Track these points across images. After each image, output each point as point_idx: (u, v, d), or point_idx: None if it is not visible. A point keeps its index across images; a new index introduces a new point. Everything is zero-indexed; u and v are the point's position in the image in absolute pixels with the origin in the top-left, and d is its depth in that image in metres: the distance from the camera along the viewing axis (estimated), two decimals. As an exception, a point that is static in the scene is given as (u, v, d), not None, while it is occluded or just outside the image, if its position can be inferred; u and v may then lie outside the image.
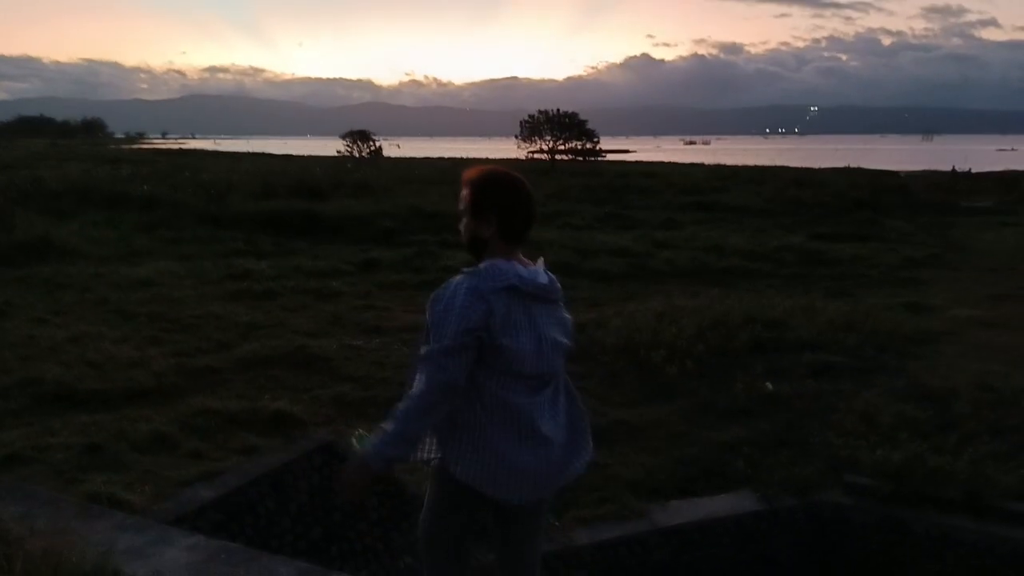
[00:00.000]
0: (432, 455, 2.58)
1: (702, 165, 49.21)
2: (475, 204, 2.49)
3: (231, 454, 6.27)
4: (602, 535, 6.03)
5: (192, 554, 3.50)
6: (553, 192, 27.61)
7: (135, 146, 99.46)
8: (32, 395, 7.36)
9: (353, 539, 5.95)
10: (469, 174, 2.54)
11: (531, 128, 50.90)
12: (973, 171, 40.81)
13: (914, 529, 6.19)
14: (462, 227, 2.52)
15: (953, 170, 42.24)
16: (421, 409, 2.36)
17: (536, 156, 51.10)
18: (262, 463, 5.99)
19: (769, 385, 8.68)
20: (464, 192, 2.52)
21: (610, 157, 59.88)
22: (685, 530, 6.23)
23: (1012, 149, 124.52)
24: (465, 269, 2.49)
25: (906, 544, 6.20)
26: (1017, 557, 5.86)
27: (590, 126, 51.20)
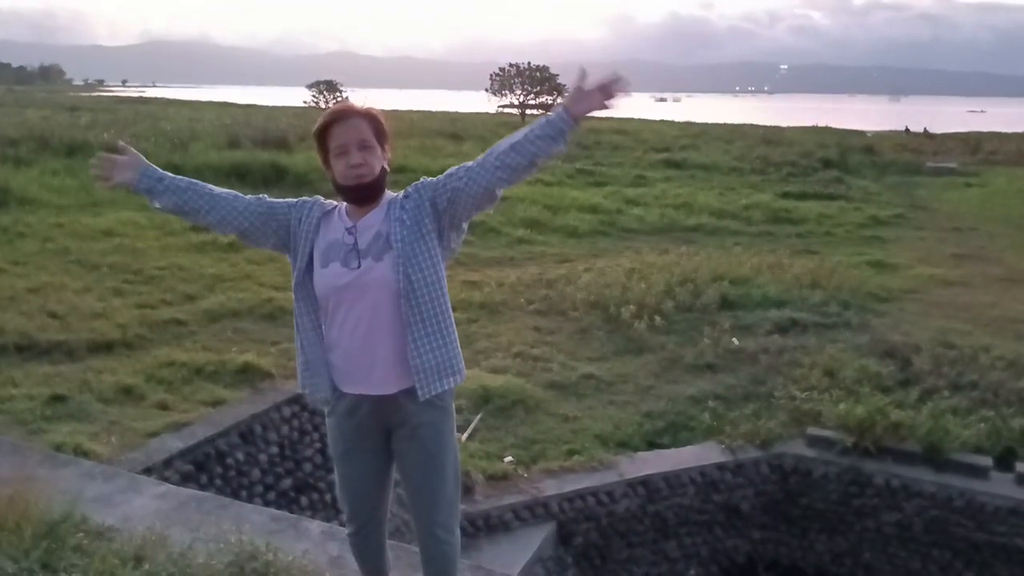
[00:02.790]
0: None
1: (672, 122, 49.09)
2: (385, 137, 2.46)
3: (198, 406, 6.21)
4: (570, 486, 6.11)
5: (162, 502, 3.48)
6: (523, 147, 27.39)
7: (95, 93, 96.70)
8: (-8, 345, 7.22)
9: (324, 490, 5.97)
10: (362, 109, 2.45)
11: (501, 81, 50.28)
12: (933, 131, 41.21)
13: (874, 480, 6.36)
14: (371, 159, 2.37)
15: (907, 130, 42.72)
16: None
17: (506, 110, 50.60)
18: (230, 414, 5.96)
19: (735, 340, 8.80)
20: (368, 125, 2.40)
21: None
22: (652, 481, 6.34)
23: (982, 111, 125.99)
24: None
25: (866, 495, 6.38)
26: (973, 508, 6.05)
27: (561, 81, 50.71)
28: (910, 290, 11.22)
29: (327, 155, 2.41)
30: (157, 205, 2.49)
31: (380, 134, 2.43)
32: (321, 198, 2.55)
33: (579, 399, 7.60)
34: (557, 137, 2.28)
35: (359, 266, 2.36)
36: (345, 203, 2.46)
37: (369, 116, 2.43)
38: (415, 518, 2.58)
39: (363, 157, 2.36)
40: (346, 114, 2.41)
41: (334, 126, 2.38)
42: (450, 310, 2.48)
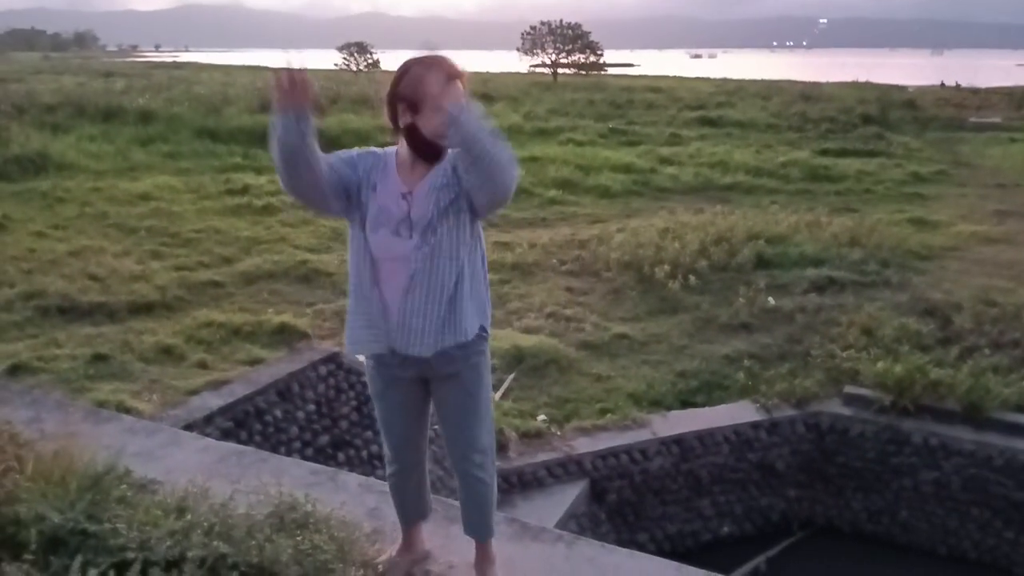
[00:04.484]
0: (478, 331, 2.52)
1: (708, 79, 48.20)
2: None
3: (237, 365, 6.32)
4: (603, 444, 6.13)
5: (203, 456, 3.55)
6: (555, 107, 27.10)
7: (129, 59, 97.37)
8: (35, 307, 7.39)
9: (360, 447, 6.06)
10: (459, 67, 2.43)
11: (533, 40, 49.65)
12: (975, 86, 40.02)
13: (912, 439, 6.29)
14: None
15: (942, 84, 41.63)
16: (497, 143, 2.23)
17: (538, 70, 50.04)
18: (268, 373, 6.06)
19: (771, 300, 8.70)
20: (455, 81, 2.39)
21: (612, 72, 58.55)
22: (685, 439, 6.34)
23: None
24: None
25: (904, 453, 6.32)
26: (1013, 467, 5.97)
27: (593, 38, 49.95)
28: (951, 248, 11.00)
29: (418, 104, 2.34)
30: (291, 138, 2.32)
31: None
32: (376, 149, 2.54)
33: (612, 359, 7.59)
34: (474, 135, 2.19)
35: (411, 237, 2.38)
36: (401, 153, 2.44)
37: (460, 75, 2.44)
38: (452, 456, 2.65)
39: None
40: (459, 72, 2.41)
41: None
42: (486, 264, 2.55)
